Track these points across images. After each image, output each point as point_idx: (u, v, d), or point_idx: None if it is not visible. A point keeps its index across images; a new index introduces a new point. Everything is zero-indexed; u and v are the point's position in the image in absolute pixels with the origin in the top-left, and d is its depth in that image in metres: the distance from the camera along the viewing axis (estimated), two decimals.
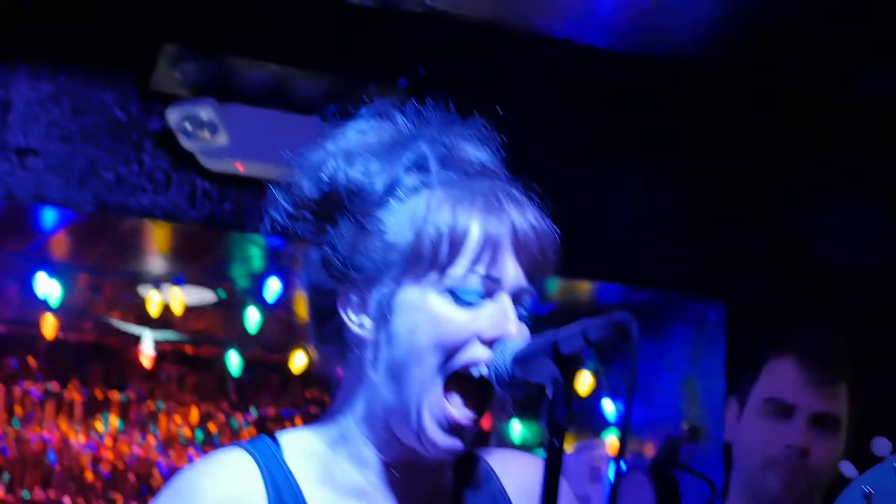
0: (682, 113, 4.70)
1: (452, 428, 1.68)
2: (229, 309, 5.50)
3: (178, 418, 6.33)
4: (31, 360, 6.13)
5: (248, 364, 5.95)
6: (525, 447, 5.84)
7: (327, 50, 4.23)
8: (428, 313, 1.68)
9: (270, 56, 4.14)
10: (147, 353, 5.52)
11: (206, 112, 4.05)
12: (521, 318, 1.74)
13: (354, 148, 1.79)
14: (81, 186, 4.13)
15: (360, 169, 1.74)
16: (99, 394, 6.23)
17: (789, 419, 2.82)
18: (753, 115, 4.74)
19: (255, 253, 4.74)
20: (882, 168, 4.87)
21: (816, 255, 4.85)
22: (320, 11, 4.18)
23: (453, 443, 1.69)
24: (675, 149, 4.78)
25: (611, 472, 5.31)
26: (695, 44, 4.30)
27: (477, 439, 1.75)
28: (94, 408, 6.23)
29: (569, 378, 1.60)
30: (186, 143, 4.12)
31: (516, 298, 1.74)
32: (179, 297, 4.87)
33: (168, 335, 5.79)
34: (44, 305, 5.08)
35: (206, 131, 4.08)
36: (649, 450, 5.18)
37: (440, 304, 1.68)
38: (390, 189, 1.73)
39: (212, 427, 6.37)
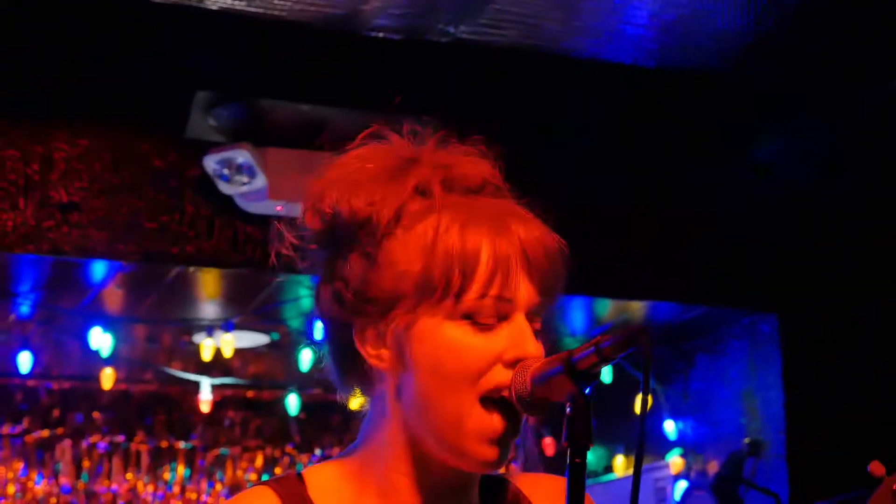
0: (720, 125, 4.68)
1: (492, 439, 1.65)
2: (284, 351, 5.53)
3: (243, 463, 6.36)
4: (96, 414, 6.19)
5: (308, 405, 5.97)
6: (589, 473, 5.82)
7: (357, 85, 4.25)
8: (446, 342, 1.66)
9: (302, 96, 4.17)
10: (205, 399, 5.56)
11: (241, 156, 4.09)
12: (536, 334, 1.74)
13: (356, 176, 1.76)
14: (125, 238, 4.19)
15: (364, 198, 1.72)
16: (164, 443, 6.27)
17: None
18: (790, 124, 4.71)
19: (303, 293, 4.76)
20: None
21: (867, 265, 4.81)
22: (348, 48, 4.22)
23: (493, 452, 1.65)
24: (720, 159, 4.75)
25: (676, 493, 5.28)
26: (721, 55, 4.28)
27: (507, 457, 1.74)
28: (161, 457, 6.27)
29: (585, 394, 1.58)
30: (225, 188, 4.15)
31: (531, 315, 1.74)
32: (230, 342, 4.90)
33: (227, 381, 5.82)
34: (101, 359, 5.14)
35: (244, 175, 4.12)
36: (712, 467, 5.14)
37: (457, 332, 1.66)
38: (396, 217, 1.70)
39: (278, 471, 6.39)
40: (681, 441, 5.32)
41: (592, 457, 5.86)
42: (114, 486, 6.21)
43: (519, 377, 1.65)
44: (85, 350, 5.03)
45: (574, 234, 4.22)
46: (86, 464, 6.19)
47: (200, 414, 5.96)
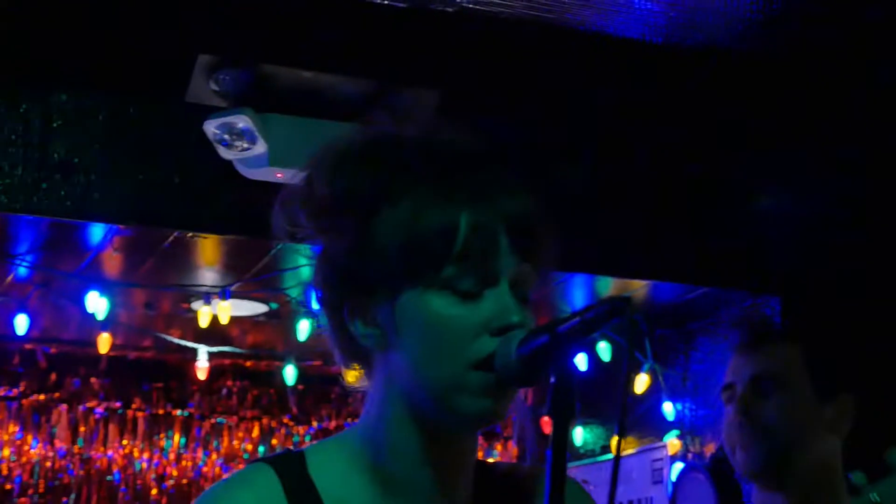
0: (724, 104, 4.64)
1: (486, 393, 1.67)
2: (283, 320, 5.50)
3: (240, 433, 6.35)
4: (93, 379, 6.18)
5: (307, 376, 5.94)
6: (587, 453, 5.79)
7: (361, 53, 4.23)
8: (431, 314, 1.68)
9: (305, 63, 4.14)
10: (202, 366, 5.53)
11: (242, 121, 4.06)
12: (524, 302, 1.72)
13: (342, 155, 1.75)
14: (123, 201, 4.16)
15: (348, 178, 1.72)
16: (161, 411, 6.26)
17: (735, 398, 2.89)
18: (795, 103, 4.67)
19: (302, 262, 4.74)
20: None
21: (872, 249, 4.78)
22: (352, 15, 4.18)
23: (489, 403, 1.67)
24: (721, 142, 4.72)
25: (672, 474, 5.26)
26: (729, 31, 4.24)
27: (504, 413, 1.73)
28: (157, 425, 6.26)
29: (570, 364, 1.59)
30: (225, 154, 4.13)
31: (517, 284, 1.72)
32: (227, 309, 4.87)
33: (225, 349, 5.80)
34: (102, 324, 5.12)
35: (244, 141, 4.09)
36: (710, 449, 5.11)
37: (441, 303, 1.67)
38: (379, 195, 1.71)
39: (274, 441, 6.38)
40: (679, 422, 5.29)
41: (590, 436, 5.84)
42: (109, 452, 6.20)
43: (504, 347, 1.64)
44: (83, 314, 5.01)
45: (575, 212, 4.22)
46: (82, 429, 6.18)
47: (198, 382, 5.95)
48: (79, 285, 4.95)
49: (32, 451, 6.10)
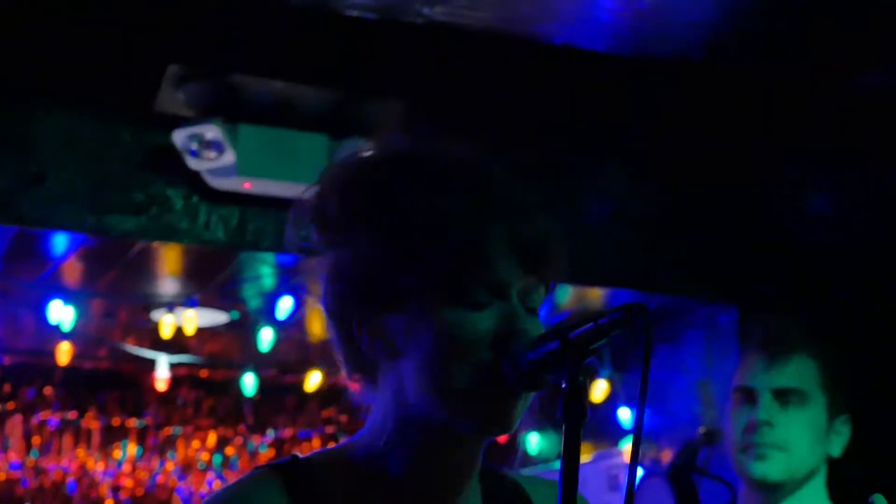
0: (686, 115, 4.70)
1: (500, 401, 1.68)
2: (243, 330, 5.51)
3: (195, 443, 6.34)
4: (48, 390, 6.14)
5: (263, 385, 5.95)
6: (542, 459, 5.84)
7: (330, 64, 4.24)
8: (443, 325, 1.69)
9: (274, 73, 4.15)
10: (162, 376, 5.52)
11: (211, 132, 4.06)
12: (533, 313, 1.75)
13: (356, 171, 1.78)
14: (89, 210, 4.15)
15: (363, 192, 1.75)
16: (116, 421, 6.24)
17: (754, 403, 2.97)
18: (757, 115, 4.74)
19: (266, 272, 4.75)
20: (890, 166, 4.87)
21: (830, 257, 4.85)
22: (322, 26, 4.20)
23: (503, 412, 1.69)
24: (682, 151, 4.79)
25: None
26: (694, 44, 4.31)
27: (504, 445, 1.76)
28: (112, 435, 6.24)
29: (582, 368, 1.61)
30: (193, 164, 4.13)
31: (525, 296, 1.75)
32: (192, 320, 4.87)
33: (183, 359, 5.79)
34: (59, 333, 5.10)
35: (213, 151, 4.09)
36: (667, 455, 5.17)
37: (452, 314, 1.69)
38: (393, 209, 1.73)
39: (229, 450, 6.38)
40: (635, 418, 5.34)
41: (546, 443, 5.89)
42: (64, 463, 6.17)
43: (515, 352, 1.67)
44: (40, 324, 4.98)
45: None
46: (36, 440, 6.14)
47: (153, 392, 5.93)
48: (38, 294, 4.93)
49: None
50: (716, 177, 4.86)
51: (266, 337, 5.07)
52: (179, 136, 4.09)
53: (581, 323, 1.61)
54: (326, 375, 5.70)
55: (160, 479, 6.28)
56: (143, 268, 4.70)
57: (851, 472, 3.02)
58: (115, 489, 6.22)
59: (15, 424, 6.11)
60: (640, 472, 5.26)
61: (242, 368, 5.77)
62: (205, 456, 6.36)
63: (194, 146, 4.09)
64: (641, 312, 1.58)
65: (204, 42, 4.17)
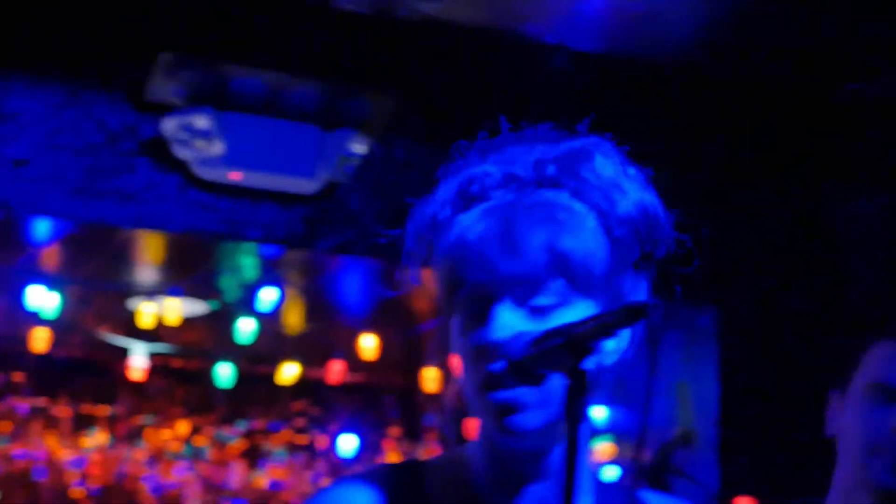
0: (673, 116, 4.72)
1: (506, 406, 1.69)
2: (219, 321, 5.48)
3: (166, 432, 6.31)
4: (19, 376, 6.09)
5: (235, 376, 5.93)
6: None
7: (322, 57, 4.23)
8: (454, 338, 1.74)
9: (266, 64, 4.13)
10: (138, 366, 5.49)
11: (201, 121, 4.04)
12: (536, 311, 1.77)
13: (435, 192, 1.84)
14: (75, 197, 4.12)
15: (428, 211, 1.81)
16: (87, 409, 6.19)
17: (894, 403, 2.67)
18: (744, 117, 4.77)
19: (247, 263, 4.72)
20: (870, 166, 4.91)
21: (811, 259, 4.89)
22: (315, 18, 4.19)
23: (508, 417, 1.69)
24: (665, 152, 4.80)
25: (602, 479, 5.32)
26: (684, 46, 4.33)
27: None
28: (82, 423, 6.19)
29: (584, 367, 1.59)
30: (181, 153, 4.10)
31: (525, 301, 1.77)
32: (175, 309, 4.85)
33: (157, 348, 5.76)
34: (34, 319, 5.05)
35: (202, 140, 4.07)
36: (643, 456, 5.19)
37: (457, 327, 1.74)
38: (434, 226, 1.80)
39: (200, 440, 6.35)
40: (612, 429, 5.37)
41: None
42: (33, 451, 6.12)
43: (517, 347, 1.68)
44: (13, 309, 4.94)
45: None
46: (5, 426, 6.09)
47: (125, 381, 5.89)
48: (14, 279, 4.88)
49: None
50: (697, 177, 4.88)
51: (246, 328, 5.05)
52: (169, 125, 4.06)
53: (585, 320, 1.61)
54: (300, 367, 5.69)
55: (129, 468, 6.24)
56: (127, 256, 4.67)
57: None
58: (84, 477, 6.18)
59: None
60: (616, 471, 5.28)
61: (216, 359, 5.74)
62: (175, 445, 6.33)
63: (184, 135, 4.07)
64: (644, 309, 1.58)
65: (196, 31, 4.15)
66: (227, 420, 6.42)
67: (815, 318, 4.83)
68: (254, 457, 6.43)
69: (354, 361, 5.89)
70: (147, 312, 4.98)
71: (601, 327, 1.59)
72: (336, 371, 5.63)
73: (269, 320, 5.42)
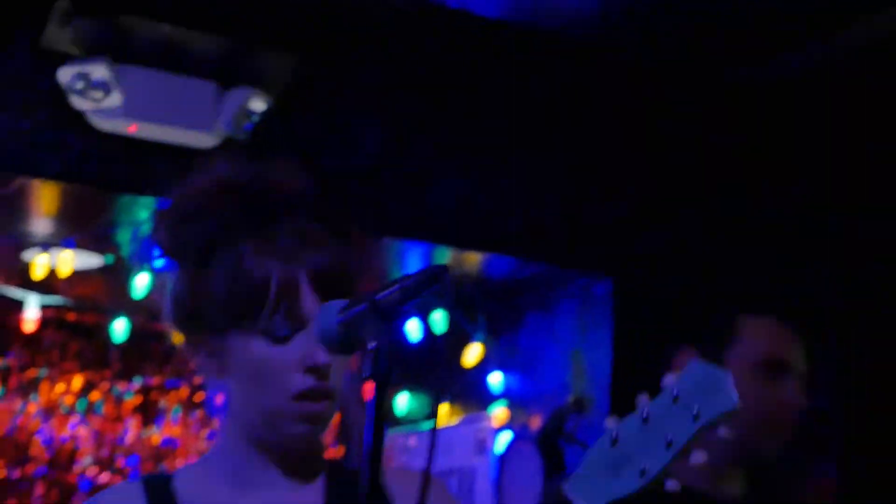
0: (574, 85, 4.75)
1: (306, 420, 1.89)
2: (115, 275, 5.42)
3: (60, 386, 6.24)
4: None
5: (132, 332, 5.87)
6: (411, 419, 5.87)
7: (222, 11, 4.20)
8: (252, 355, 1.89)
9: (165, 16, 4.10)
10: (31, 317, 5.42)
11: (98, 71, 4.00)
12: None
13: (181, 206, 1.95)
14: None
15: (183, 229, 1.92)
16: None
17: (783, 379, 2.81)
18: (644, 90, 4.81)
19: (144, 217, 4.68)
20: (758, 150, 4.97)
21: (705, 232, 4.94)
22: None
23: (307, 429, 1.90)
24: (566, 121, 4.83)
25: (496, 445, 5.37)
26: (586, 15, 4.35)
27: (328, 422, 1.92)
28: None
29: (389, 331, 1.68)
30: (78, 103, 4.06)
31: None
32: (67, 261, 4.79)
33: (51, 301, 5.69)
34: None
35: (99, 91, 4.03)
36: (536, 421, 5.24)
37: (259, 346, 1.88)
38: (207, 246, 1.91)
39: (95, 395, 6.29)
40: (506, 394, 5.40)
41: (415, 403, 5.91)
42: None
43: (325, 318, 1.76)
44: None
45: (416, 177, 4.23)
46: None
47: (19, 333, 5.82)
48: None
49: None
50: (598, 149, 4.92)
51: (142, 282, 5.00)
52: (65, 74, 4.02)
53: (388, 285, 1.70)
54: None
55: (21, 420, 6.17)
56: (20, 206, 4.60)
57: None
58: None
59: None
60: (508, 436, 5.33)
61: (112, 314, 5.68)
62: (69, 399, 6.26)
63: (80, 85, 4.02)
64: (443, 274, 1.69)
65: None
66: (123, 376, 6.37)
67: (706, 288, 4.89)
68: (149, 413, 6.39)
69: None
70: (41, 264, 4.92)
71: (402, 291, 1.68)
72: None
73: (164, 275, 5.37)
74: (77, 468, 6.23)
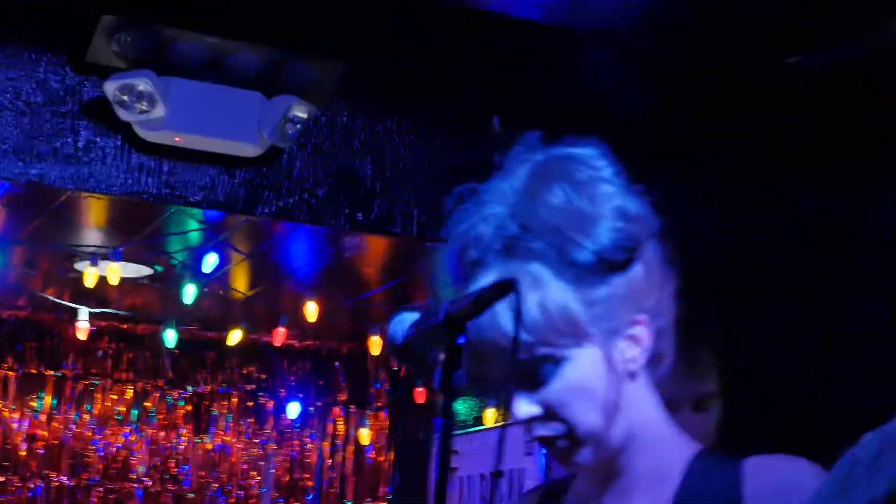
0: (604, 89, 4.75)
1: None
2: (166, 284, 5.49)
3: (113, 395, 6.31)
4: None
5: (183, 341, 5.93)
6: (458, 423, 5.88)
7: (265, 23, 4.24)
8: None
9: (209, 28, 4.14)
10: (82, 326, 5.49)
11: (143, 84, 4.05)
12: None
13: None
14: (16, 158, 4.12)
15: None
16: (34, 371, 6.19)
17: None
18: (680, 90, 4.80)
19: (192, 226, 4.74)
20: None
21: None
22: None
23: None
24: (596, 123, 4.82)
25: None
26: (625, 16, 4.35)
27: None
28: (29, 385, 6.19)
29: (459, 343, 1.67)
30: (123, 115, 4.11)
31: None
32: (116, 271, 4.85)
33: (103, 311, 5.76)
34: None
35: (144, 103, 4.08)
36: None
37: None
38: None
39: (148, 404, 6.36)
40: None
41: (463, 408, 5.94)
42: None
43: (396, 328, 1.75)
44: None
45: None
46: None
47: (73, 343, 5.89)
48: None
49: None
50: (632, 147, 4.91)
51: (189, 291, 5.06)
52: (111, 87, 4.07)
53: (461, 298, 1.70)
54: (244, 333, 5.70)
55: (76, 430, 6.25)
56: (70, 218, 4.67)
57: None
58: (31, 439, 6.18)
59: None
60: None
61: (163, 323, 5.75)
62: (122, 408, 6.34)
63: (125, 98, 4.07)
64: (512, 285, 1.67)
65: None
66: (175, 384, 6.44)
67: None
68: (200, 421, 6.45)
69: (302, 327, 5.91)
70: (92, 275, 4.98)
71: (474, 304, 1.67)
72: (283, 336, 5.65)
73: (218, 285, 5.43)
74: (131, 476, 6.30)
